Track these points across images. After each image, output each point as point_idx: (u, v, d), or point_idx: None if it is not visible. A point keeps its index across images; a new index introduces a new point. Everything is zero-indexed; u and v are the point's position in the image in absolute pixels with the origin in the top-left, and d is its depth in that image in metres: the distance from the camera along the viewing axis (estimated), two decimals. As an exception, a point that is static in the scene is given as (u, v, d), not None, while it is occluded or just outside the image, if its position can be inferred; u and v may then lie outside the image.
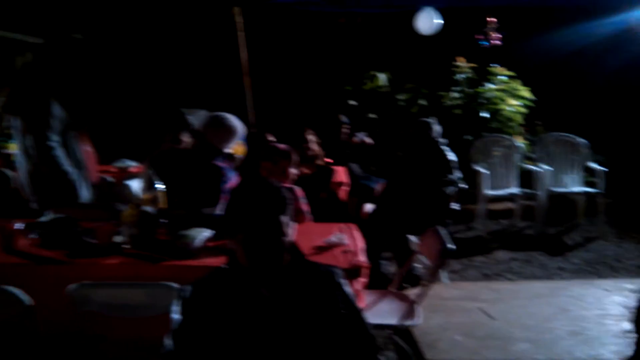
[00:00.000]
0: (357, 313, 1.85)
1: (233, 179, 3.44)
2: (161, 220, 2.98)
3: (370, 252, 3.00)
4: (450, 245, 2.99)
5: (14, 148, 4.92)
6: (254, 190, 1.81)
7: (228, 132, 3.55)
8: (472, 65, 7.04)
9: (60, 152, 3.56)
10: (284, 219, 1.77)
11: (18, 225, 2.89)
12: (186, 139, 3.89)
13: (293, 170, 3.46)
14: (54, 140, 3.53)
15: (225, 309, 1.77)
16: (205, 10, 7.20)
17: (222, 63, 7.32)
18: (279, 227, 1.76)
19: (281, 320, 1.76)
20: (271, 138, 4.60)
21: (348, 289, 1.87)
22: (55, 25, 6.86)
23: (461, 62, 7.03)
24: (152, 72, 7.74)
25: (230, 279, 1.81)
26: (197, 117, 7.19)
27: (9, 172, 4.48)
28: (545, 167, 6.21)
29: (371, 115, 7.14)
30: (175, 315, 1.78)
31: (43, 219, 2.99)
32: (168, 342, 1.76)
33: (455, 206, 4.80)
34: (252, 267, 1.78)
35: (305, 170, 4.31)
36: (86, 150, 3.88)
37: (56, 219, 2.97)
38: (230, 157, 3.69)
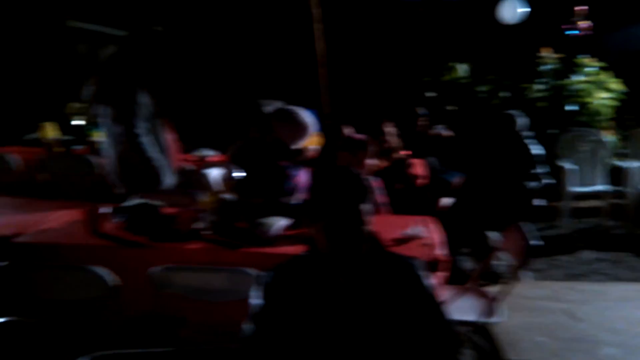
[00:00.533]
0: (437, 306, 1.79)
1: (301, 175, 3.44)
2: (240, 208, 3.00)
3: (449, 247, 2.92)
4: (536, 242, 2.86)
5: (99, 136, 5.14)
6: (335, 178, 1.78)
7: (296, 128, 3.53)
8: (558, 55, 6.73)
9: (146, 139, 3.67)
10: (364, 207, 1.73)
11: (104, 210, 2.99)
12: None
13: (370, 161, 3.41)
14: (141, 127, 3.64)
15: (305, 296, 1.75)
16: (283, 1, 7.25)
17: (299, 54, 7.34)
18: (359, 216, 1.72)
19: (359, 309, 1.73)
20: (348, 129, 4.56)
21: (428, 281, 1.81)
22: (137, 18, 7.13)
23: (546, 53, 6.74)
24: (231, 63, 7.87)
25: (310, 267, 1.80)
26: (273, 108, 7.29)
27: (95, 159, 4.67)
28: (636, 163, 5.86)
29: (450, 108, 6.97)
30: (255, 300, 1.78)
31: (127, 203, 3.08)
32: (247, 327, 1.75)
33: (539, 202, 4.61)
34: (331, 255, 1.75)
35: (383, 163, 4.25)
36: (169, 138, 3.98)
37: (140, 204, 3.05)
38: (298, 152, 3.70)
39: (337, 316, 1.72)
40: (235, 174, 3.29)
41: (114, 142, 3.75)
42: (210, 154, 5.06)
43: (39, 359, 1.81)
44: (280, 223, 2.79)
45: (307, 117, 3.63)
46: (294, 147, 3.57)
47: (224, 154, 5.01)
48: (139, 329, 2.75)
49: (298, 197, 3.00)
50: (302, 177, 3.40)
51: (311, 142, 5.11)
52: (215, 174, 4.12)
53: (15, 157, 4.81)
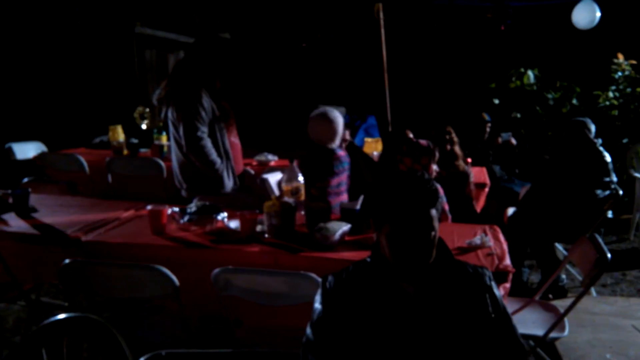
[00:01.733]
0: (507, 318, 1.72)
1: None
2: (301, 213, 3.00)
3: (511, 258, 2.82)
4: (608, 255, 2.72)
5: (165, 139, 5.27)
6: (403, 182, 1.74)
7: (329, 127, 3.63)
8: (632, 62, 6.44)
9: (208, 143, 3.73)
10: (434, 213, 1.68)
11: (168, 211, 3.05)
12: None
13: (434, 167, 3.35)
14: (203, 131, 3.71)
15: (368, 302, 1.71)
16: (347, 7, 7.25)
17: (362, 60, 7.32)
18: (428, 221, 1.67)
19: (425, 318, 1.68)
20: (411, 135, 4.50)
21: (498, 292, 1.74)
22: (204, 25, 7.30)
23: (620, 59, 6.45)
24: (295, 69, 7.93)
25: (374, 273, 1.76)
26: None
27: (160, 162, 4.78)
28: None
29: (516, 115, 6.78)
30: (317, 304, 1.76)
31: (191, 206, 3.13)
32: (309, 331, 1.73)
33: (608, 214, 4.40)
34: (397, 262, 1.71)
35: (442, 171, 4.16)
36: (233, 142, 4.03)
37: (203, 207, 3.09)
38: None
39: (401, 324, 1.68)
40: (298, 179, 3.29)
41: (178, 145, 3.83)
42: (272, 158, 5.09)
43: (103, 355, 1.84)
44: (342, 228, 2.76)
45: (338, 116, 3.70)
46: (330, 145, 3.62)
47: (285, 158, 5.04)
48: (198, 329, 2.78)
49: (360, 203, 2.96)
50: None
51: (374, 147, 5.09)
52: (276, 178, 4.14)
53: (84, 159, 4.98)
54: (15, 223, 3.12)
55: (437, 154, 3.40)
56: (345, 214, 2.96)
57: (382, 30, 6.20)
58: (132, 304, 2.94)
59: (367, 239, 2.79)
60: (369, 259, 1.81)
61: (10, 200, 3.31)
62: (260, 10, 7.85)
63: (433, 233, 1.69)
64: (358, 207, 2.96)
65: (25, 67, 8.81)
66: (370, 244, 1.87)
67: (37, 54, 8.73)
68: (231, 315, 2.58)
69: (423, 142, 3.36)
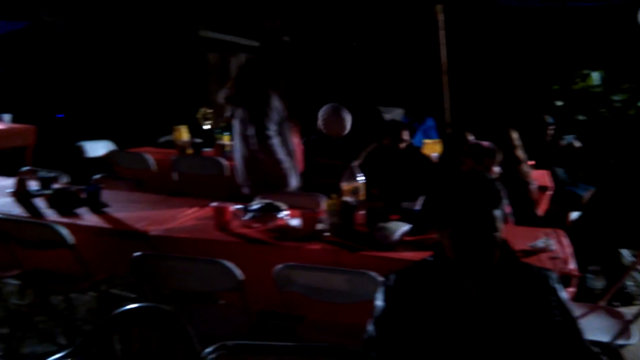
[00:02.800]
0: (573, 322, 1.70)
1: None
2: (361, 212, 3.03)
3: (576, 263, 2.76)
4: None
5: (227, 139, 5.40)
6: (467, 182, 1.74)
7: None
8: None
9: (276, 141, 3.82)
10: (497, 213, 1.68)
11: (232, 208, 3.14)
12: (406, 137, 4.00)
13: (496, 169, 3.31)
14: (272, 129, 3.80)
15: (429, 301, 1.73)
16: (407, 9, 7.23)
17: (421, 61, 7.28)
18: (491, 222, 1.67)
19: (487, 319, 1.68)
20: (471, 137, 4.45)
21: (564, 294, 1.72)
22: (265, 29, 7.44)
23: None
24: (354, 70, 7.96)
25: (436, 272, 1.77)
26: (394, 115, 7.31)
27: (223, 161, 4.90)
28: None
29: (580, 117, 6.60)
30: (379, 302, 1.78)
31: (253, 203, 3.21)
32: (371, 327, 1.76)
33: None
34: (459, 262, 1.72)
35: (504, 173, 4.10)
36: (296, 141, 4.11)
37: (265, 205, 3.16)
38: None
39: (463, 324, 1.68)
40: (358, 179, 3.32)
41: (245, 143, 3.93)
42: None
43: (172, 345, 1.92)
44: (402, 228, 2.78)
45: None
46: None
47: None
48: (259, 323, 2.85)
49: (420, 203, 2.97)
50: None
51: (433, 149, 5.07)
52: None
53: (151, 157, 5.16)
54: (88, 217, 3.28)
55: (499, 156, 3.37)
56: (405, 214, 2.97)
57: (442, 32, 6.16)
58: (195, 297, 3.04)
59: (426, 239, 2.79)
60: (431, 258, 1.83)
61: (84, 195, 3.48)
62: (319, 12, 7.92)
63: (497, 233, 1.69)
64: (418, 207, 2.97)
65: (97, 71, 9.19)
66: (431, 244, 1.89)
67: (108, 59, 9.09)
68: (292, 311, 2.63)
69: (485, 143, 3.34)
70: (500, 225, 1.69)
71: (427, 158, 4.36)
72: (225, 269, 2.49)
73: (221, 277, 2.52)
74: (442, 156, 4.44)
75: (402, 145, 4.03)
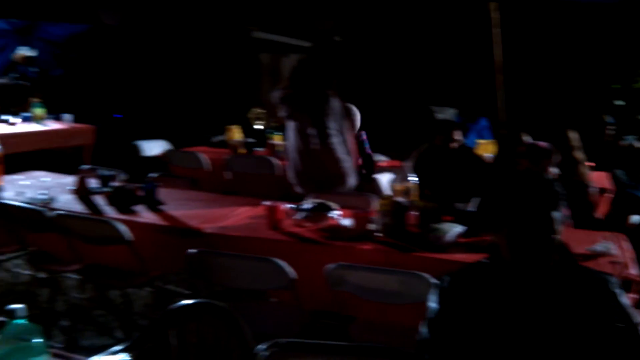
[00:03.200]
0: (635, 329, 1.64)
1: None
2: (413, 212, 3.01)
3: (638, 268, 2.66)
4: None
5: (279, 139, 5.45)
6: (525, 183, 1.71)
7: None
8: None
9: (337, 140, 3.84)
10: (556, 215, 1.64)
11: (284, 207, 3.16)
12: (458, 137, 3.96)
13: (553, 170, 3.23)
14: (332, 129, 3.82)
15: (484, 303, 1.70)
16: (460, 6, 7.12)
17: (475, 60, 7.16)
18: (549, 223, 1.63)
19: (544, 323, 1.64)
20: (527, 137, 4.35)
21: (625, 300, 1.67)
22: (316, 29, 7.47)
23: None
24: (407, 68, 7.90)
25: (491, 274, 1.74)
26: (446, 115, 7.22)
27: (275, 160, 4.95)
28: None
29: (642, 117, 6.36)
30: (432, 304, 1.77)
31: (305, 203, 3.23)
32: (424, 329, 1.75)
33: None
34: (516, 264, 1.68)
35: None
36: (352, 141, 4.12)
37: (317, 204, 3.18)
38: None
39: (519, 328, 1.65)
40: (409, 179, 3.30)
41: (305, 143, 3.94)
42: (382, 158, 5.12)
43: (226, 341, 1.95)
44: (455, 230, 2.74)
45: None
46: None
47: (396, 159, 5.05)
48: (310, 322, 2.87)
49: (475, 205, 2.92)
50: None
51: (487, 149, 4.98)
52: (387, 178, 4.17)
53: (205, 156, 5.26)
54: (145, 215, 3.37)
55: (556, 157, 3.28)
56: (459, 216, 2.93)
57: (497, 29, 6.04)
58: (248, 295, 3.09)
59: (481, 241, 2.75)
60: (486, 260, 1.80)
61: (141, 193, 3.57)
62: (371, 12, 7.89)
63: (555, 236, 1.65)
64: (472, 208, 2.92)
65: (154, 72, 9.43)
66: (486, 247, 1.86)
67: (164, 60, 9.31)
68: (343, 311, 2.64)
69: (542, 144, 3.26)
70: (558, 227, 1.65)
71: (480, 158, 4.29)
72: (277, 267, 2.52)
73: (274, 275, 2.55)
74: (497, 157, 4.36)
75: (454, 145, 3.99)
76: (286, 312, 2.80)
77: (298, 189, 4.04)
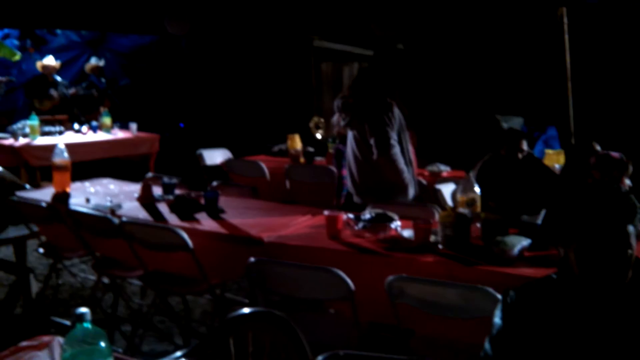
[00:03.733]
0: None
1: None
2: (477, 225, 2.92)
3: None
4: None
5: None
6: (597, 194, 1.61)
7: None
8: None
9: (398, 151, 3.79)
10: (631, 229, 1.54)
11: (344, 217, 3.13)
12: (525, 146, 3.84)
13: (627, 182, 3.07)
14: (395, 139, 3.78)
15: (552, 320, 1.61)
16: (527, 11, 6.93)
17: (542, 67, 6.95)
18: (624, 238, 1.54)
19: (615, 343, 1.54)
20: (598, 148, 4.17)
21: None
22: (377, 38, 7.44)
23: None
24: (471, 76, 7.75)
25: (560, 291, 1.65)
26: (513, 124, 7.02)
27: (335, 169, 4.93)
28: None
29: None
30: (497, 319, 1.69)
31: (365, 213, 3.18)
32: (487, 346, 1.67)
33: None
34: (586, 281, 1.59)
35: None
36: (413, 150, 4.07)
37: (377, 214, 3.13)
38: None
39: (588, 347, 1.55)
40: (474, 190, 3.20)
41: (365, 152, 3.91)
42: (444, 169, 5.02)
43: (285, 350, 1.93)
44: (521, 243, 2.63)
45: None
46: None
47: (459, 169, 4.95)
48: (369, 334, 2.82)
49: (542, 217, 2.81)
50: None
51: (556, 160, 4.80)
52: (450, 189, 4.07)
53: (265, 165, 5.30)
54: (206, 222, 3.41)
55: (630, 168, 3.12)
56: (525, 228, 2.82)
57: (566, 36, 5.83)
58: (306, 304, 3.06)
59: (548, 255, 2.63)
60: (554, 276, 1.71)
61: (202, 201, 3.62)
62: (434, 19, 7.79)
63: (630, 251, 1.55)
64: (539, 221, 2.81)
65: (215, 82, 9.62)
66: (554, 261, 1.77)
67: (225, 71, 9.49)
68: (402, 324, 2.57)
69: (615, 154, 3.10)
70: (634, 242, 1.55)
71: (549, 169, 4.13)
72: (337, 278, 2.48)
73: (333, 285, 2.52)
74: (566, 168, 4.19)
75: (521, 155, 3.86)
76: (344, 324, 2.76)
77: (356, 199, 4.00)
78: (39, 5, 5.70)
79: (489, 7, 7.17)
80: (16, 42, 9.38)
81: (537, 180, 3.62)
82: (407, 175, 3.81)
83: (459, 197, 3.23)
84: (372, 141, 3.78)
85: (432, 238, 2.91)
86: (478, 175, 3.42)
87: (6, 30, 9.24)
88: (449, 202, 4.06)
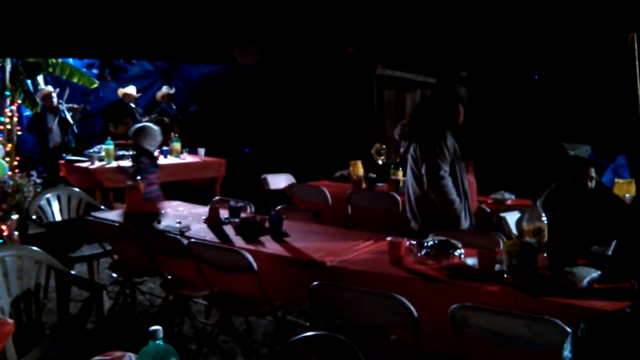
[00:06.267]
0: None
1: None
2: (544, 254, 2.86)
3: None
4: None
5: (401, 175, 5.44)
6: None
7: None
8: None
9: (449, 182, 3.78)
10: None
11: (407, 243, 3.13)
12: (593, 175, 3.76)
13: None
14: (445, 170, 3.77)
15: (626, 356, 1.56)
16: (594, 36, 6.78)
17: (611, 93, 6.76)
18: None
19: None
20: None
21: None
22: (441, 65, 7.44)
23: None
24: (536, 103, 7.62)
25: (635, 325, 1.60)
26: (580, 152, 6.84)
27: (397, 196, 4.93)
28: None
29: None
30: (566, 353, 1.65)
31: (429, 240, 3.17)
32: (556, 380, 1.64)
33: None
34: (662, 316, 1.54)
35: None
36: (470, 181, 4.03)
37: (440, 242, 3.11)
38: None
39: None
40: (541, 219, 3.15)
41: (417, 181, 3.92)
42: (508, 197, 4.93)
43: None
44: (591, 274, 2.56)
45: None
46: None
47: (524, 197, 4.85)
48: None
49: (613, 248, 2.73)
50: None
51: (627, 189, 4.65)
52: (514, 217, 4.01)
53: (327, 190, 5.35)
54: (270, 245, 3.48)
55: None
56: (595, 259, 2.74)
57: (637, 62, 5.67)
58: (367, 330, 3.06)
59: (620, 288, 2.54)
60: (628, 309, 1.66)
61: (267, 224, 3.70)
62: (498, 45, 7.72)
63: None
64: (610, 252, 2.73)
65: (280, 110, 9.83)
66: (629, 293, 1.72)
67: (290, 97, 9.69)
68: (465, 354, 2.54)
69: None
70: None
71: (619, 199, 4.00)
72: (400, 304, 2.49)
73: (396, 312, 2.52)
74: (637, 198, 4.06)
75: (589, 184, 3.76)
76: (405, 351, 2.75)
77: (414, 225, 4.00)
78: (119, 37, 6.06)
79: (556, 33, 7.06)
80: (96, 71, 9.91)
81: (607, 210, 3.51)
82: (458, 206, 3.78)
83: (526, 226, 3.18)
84: (423, 170, 3.78)
85: (497, 267, 2.87)
86: (545, 204, 3.35)
87: (88, 60, 9.79)
88: (514, 230, 3.99)
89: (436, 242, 3.11)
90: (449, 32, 6.41)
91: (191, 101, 10.48)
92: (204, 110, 10.39)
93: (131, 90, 8.62)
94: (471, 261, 2.97)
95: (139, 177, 4.34)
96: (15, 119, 6.89)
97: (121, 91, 8.64)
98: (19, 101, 7.11)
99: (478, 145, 4.58)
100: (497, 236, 3.43)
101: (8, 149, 6.50)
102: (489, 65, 7.69)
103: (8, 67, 6.62)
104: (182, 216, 4.22)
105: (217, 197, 5.07)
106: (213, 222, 3.92)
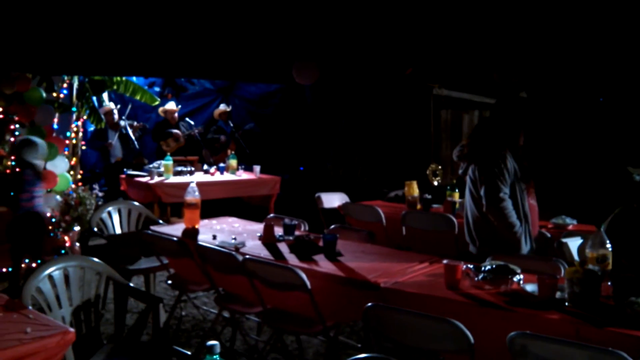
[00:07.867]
0: None
1: None
2: (608, 283, 2.74)
3: None
4: None
5: (457, 196, 5.36)
6: None
7: None
8: None
9: (509, 205, 3.70)
10: None
11: (464, 267, 3.07)
12: None
13: None
14: (505, 192, 3.70)
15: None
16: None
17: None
18: None
19: None
20: None
21: None
22: (500, 85, 7.32)
23: None
24: (601, 125, 7.39)
25: None
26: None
27: (453, 218, 4.85)
28: None
29: None
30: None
31: (486, 264, 3.10)
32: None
33: None
34: None
35: None
36: (531, 204, 3.93)
37: (498, 266, 3.03)
38: None
39: None
40: (605, 246, 3.03)
41: (475, 204, 3.86)
42: (570, 222, 4.77)
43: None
44: (658, 305, 2.44)
45: None
46: None
47: (587, 223, 4.69)
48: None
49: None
50: None
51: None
52: (576, 243, 3.87)
53: (381, 210, 5.32)
54: (324, 264, 3.47)
55: None
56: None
57: None
58: (421, 354, 3.00)
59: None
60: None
61: (321, 243, 3.70)
62: (560, 66, 7.55)
63: None
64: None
65: (335, 129, 9.87)
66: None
67: (346, 116, 9.72)
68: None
69: None
70: None
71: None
72: (456, 330, 2.43)
73: (451, 337, 2.46)
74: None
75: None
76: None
77: (472, 248, 3.92)
78: (182, 57, 6.26)
79: (618, 53, 6.85)
80: (157, 89, 10.23)
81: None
82: (518, 230, 3.68)
83: (589, 252, 3.06)
84: (482, 192, 3.71)
85: (558, 294, 2.77)
86: (609, 230, 3.23)
87: (150, 79, 10.13)
88: (575, 256, 3.85)
89: (494, 266, 3.04)
90: (508, 53, 6.32)
91: (248, 119, 10.67)
92: (260, 128, 10.56)
93: (171, 105, 8.85)
94: (530, 287, 2.88)
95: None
96: (80, 134, 7.16)
97: (161, 109, 8.89)
98: (85, 117, 7.39)
99: (540, 167, 4.47)
100: (558, 262, 3.33)
101: (73, 162, 6.75)
102: (550, 86, 7.51)
103: (75, 84, 6.91)
104: (237, 232, 4.27)
105: (271, 215, 5.11)
106: (268, 239, 3.94)
